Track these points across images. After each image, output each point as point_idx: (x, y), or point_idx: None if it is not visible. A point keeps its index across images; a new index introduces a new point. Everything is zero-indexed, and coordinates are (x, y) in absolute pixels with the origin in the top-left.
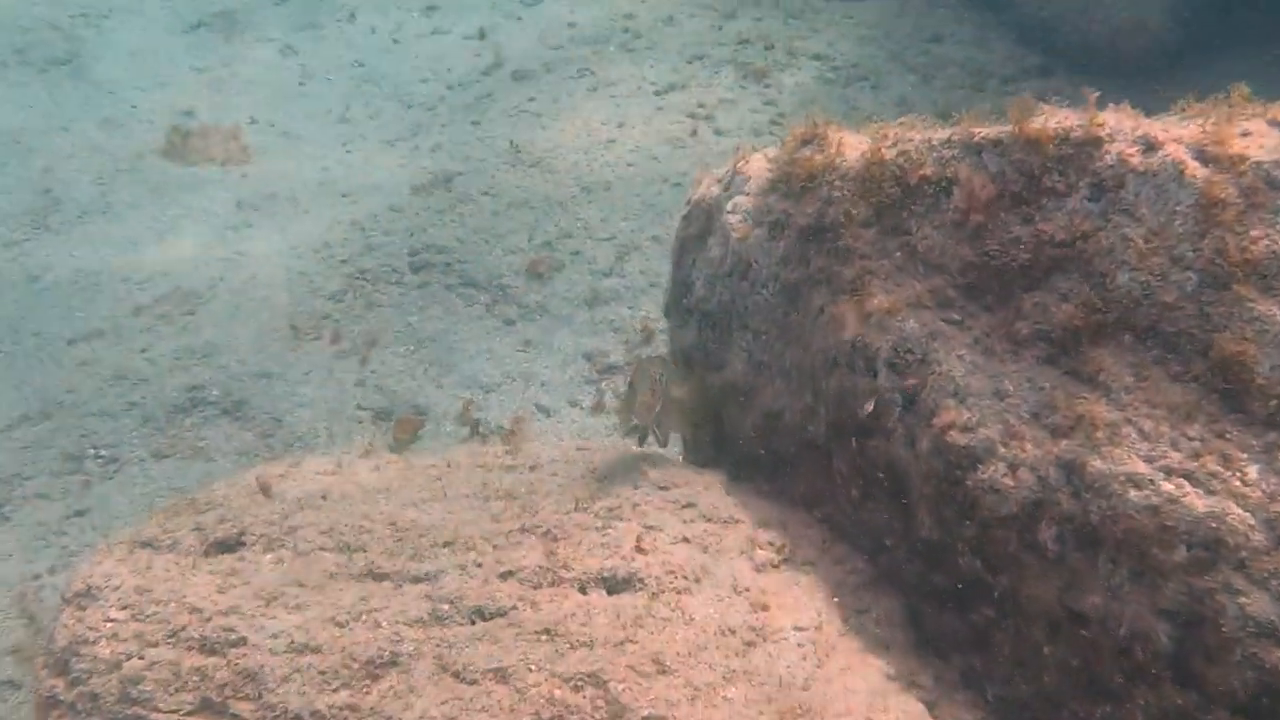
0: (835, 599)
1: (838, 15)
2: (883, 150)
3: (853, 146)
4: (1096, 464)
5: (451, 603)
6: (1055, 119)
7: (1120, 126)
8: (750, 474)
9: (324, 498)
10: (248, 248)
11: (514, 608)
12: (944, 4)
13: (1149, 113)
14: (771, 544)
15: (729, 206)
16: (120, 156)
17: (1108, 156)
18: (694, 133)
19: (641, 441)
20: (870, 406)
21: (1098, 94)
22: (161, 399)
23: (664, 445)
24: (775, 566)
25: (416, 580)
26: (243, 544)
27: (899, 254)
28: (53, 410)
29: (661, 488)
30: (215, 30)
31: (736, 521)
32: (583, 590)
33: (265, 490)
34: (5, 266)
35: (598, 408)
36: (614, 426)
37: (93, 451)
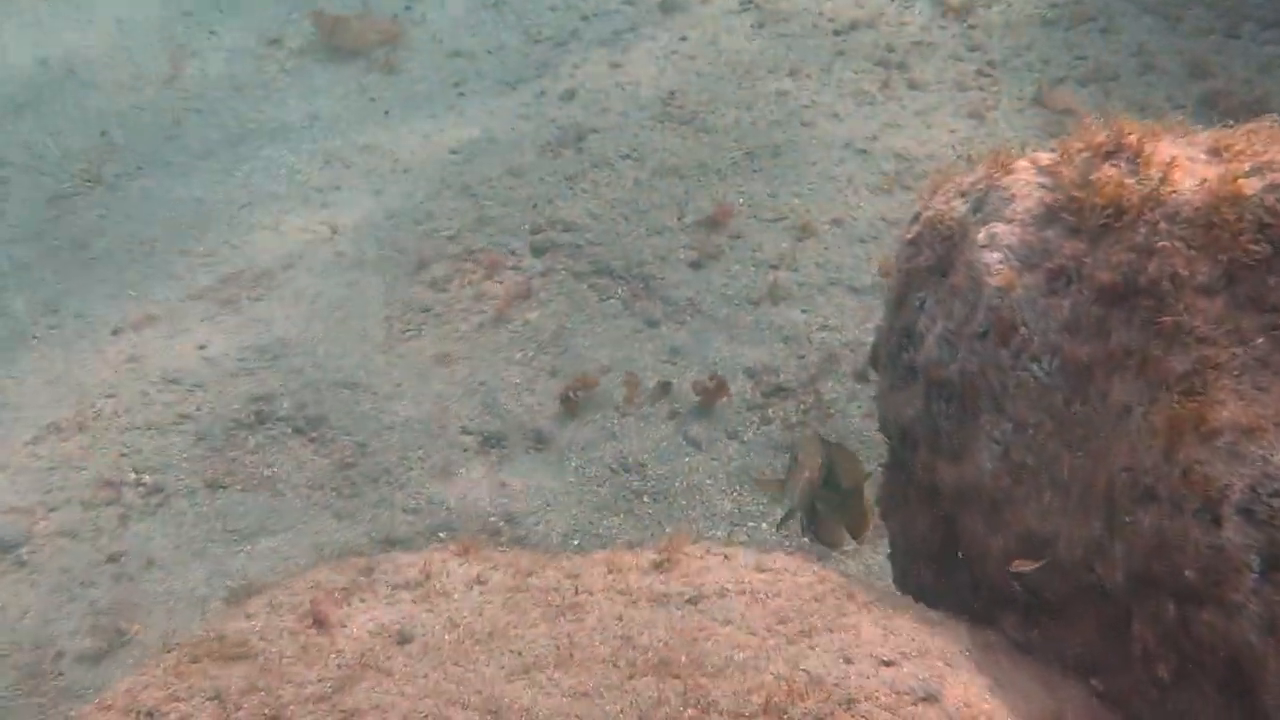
0: None
1: None
2: (1239, 182)
3: (1184, 170)
4: None
5: None
6: None
7: None
8: (992, 611)
9: (400, 644)
10: (333, 216)
11: None
12: None
13: None
14: None
15: (982, 237)
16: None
17: None
18: (885, 84)
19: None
20: (1206, 566)
21: None
22: (220, 411)
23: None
24: None
25: None
26: None
27: (1262, 341)
28: (87, 419)
29: (886, 662)
30: None
31: None
32: None
33: (320, 623)
34: None
35: (762, 483)
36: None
37: (134, 477)
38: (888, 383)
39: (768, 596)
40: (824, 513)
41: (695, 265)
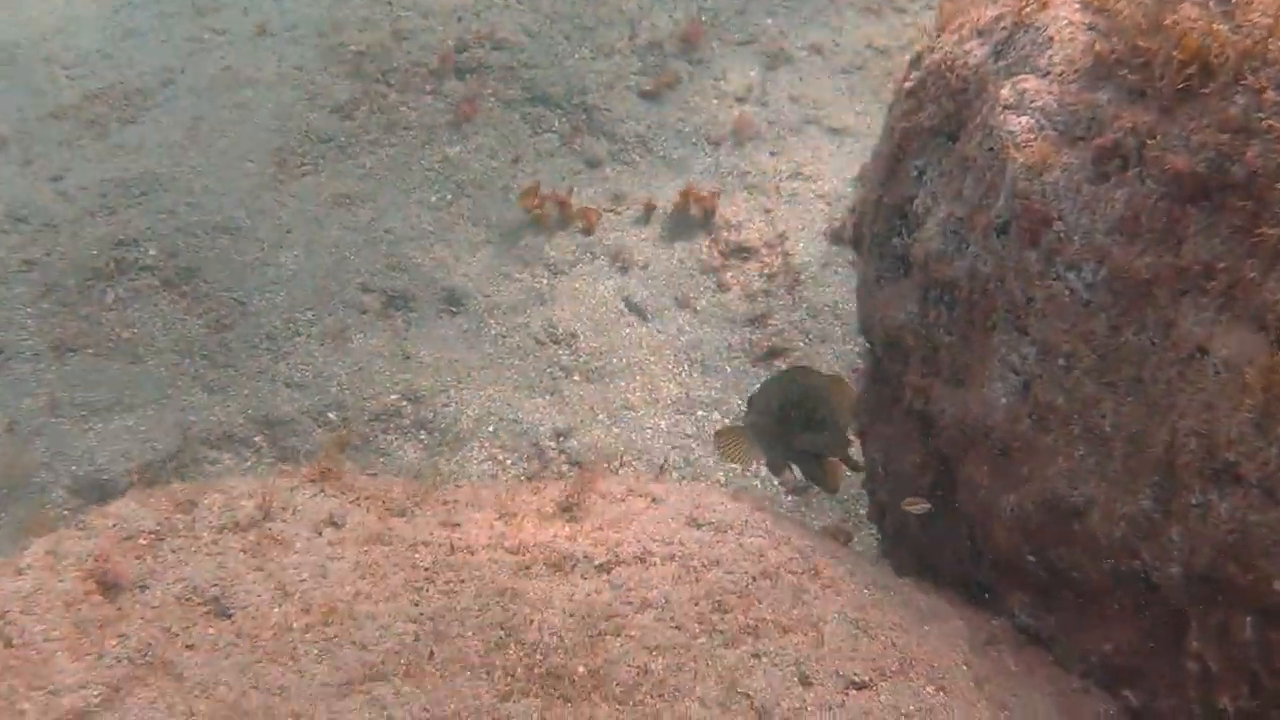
0: None
1: None
2: None
3: None
4: None
5: None
6: None
7: None
8: (997, 584)
9: (215, 617)
10: (221, 23)
11: None
12: None
13: None
14: None
15: (1007, 94)
16: None
17: None
18: None
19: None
20: None
21: None
22: (73, 258)
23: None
24: None
25: None
26: None
27: None
28: None
29: (858, 684)
30: None
31: None
32: None
33: (110, 586)
34: None
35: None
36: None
37: None
38: (872, 272)
39: (703, 566)
40: (817, 446)
41: (647, 96)
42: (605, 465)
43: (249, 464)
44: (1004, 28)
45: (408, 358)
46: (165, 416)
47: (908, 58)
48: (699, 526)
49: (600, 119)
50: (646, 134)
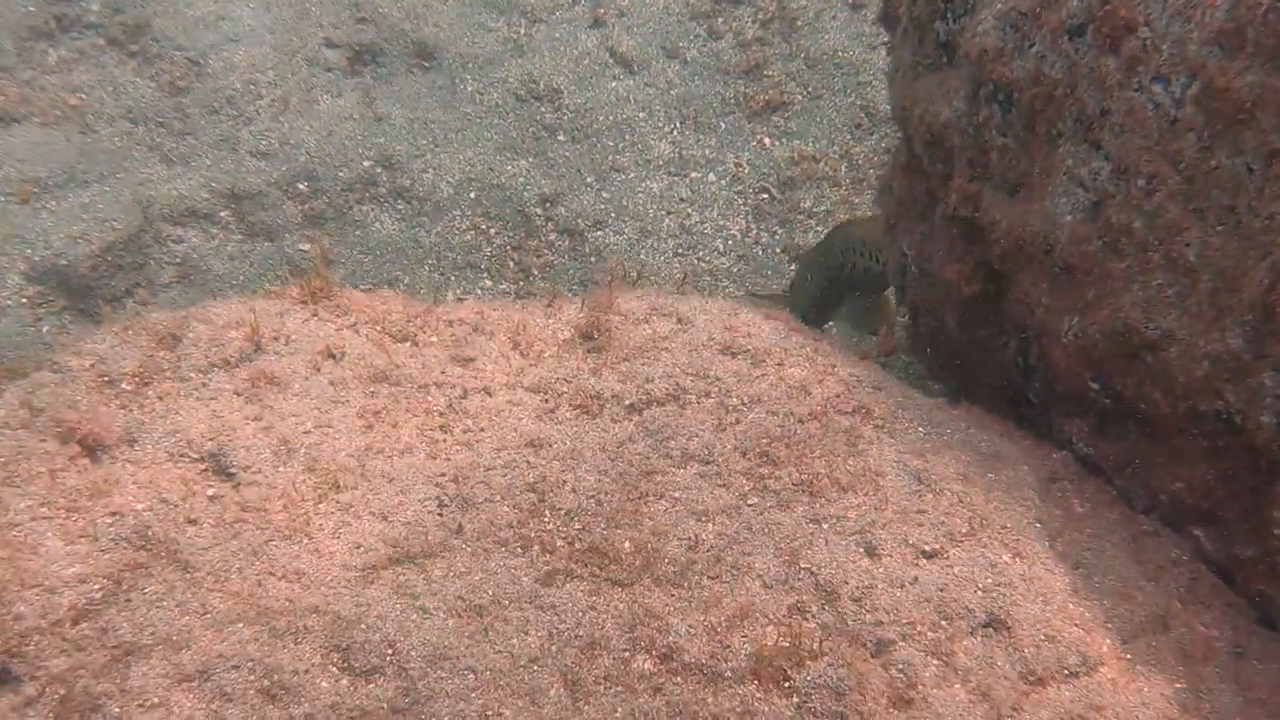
0: None
1: None
2: None
3: None
4: None
5: None
6: None
7: None
8: (1051, 410)
9: (217, 477)
10: None
11: None
12: None
13: None
14: None
15: None
16: None
17: None
18: None
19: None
20: None
21: None
22: (7, 14)
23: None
24: None
25: None
26: None
27: None
28: None
29: (927, 554)
30: None
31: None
32: None
33: (92, 448)
34: None
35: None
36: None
37: None
38: (908, 56)
39: (742, 405)
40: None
41: None
42: (621, 269)
43: (216, 242)
44: None
45: (379, 120)
46: (123, 192)
47: None
48: (734, 355)
49: None
50: None
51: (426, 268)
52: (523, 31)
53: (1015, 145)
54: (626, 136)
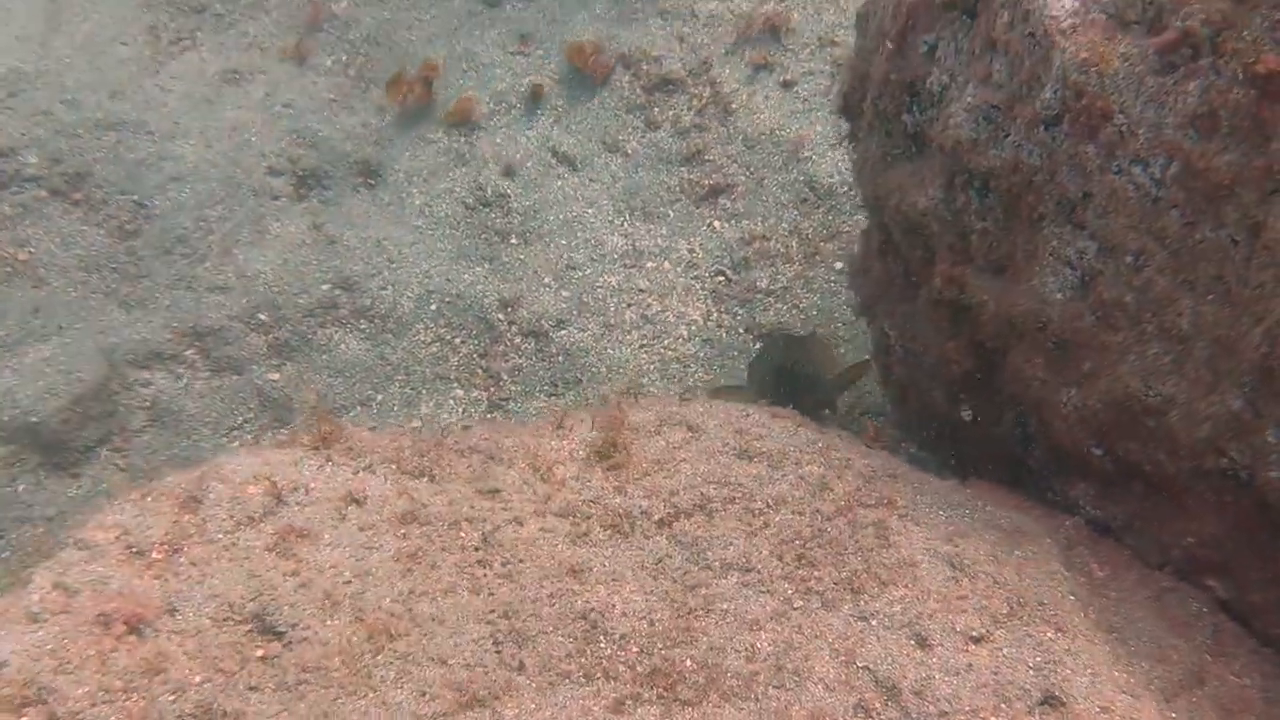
0: None
1: None
2: None
3: None
4: None
5: None
6: None
7: None
8: (1053, 474)
9: (264, 636)
10: None
11: None
12: None
13: None
14: None
15: None
16: None
17: None
18: None
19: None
20: None
21: None
22: None
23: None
24: None
25: None
26: None
27: None
28: None
29: (975, 638)
30: None
31: None
32: None
33: (134, 624)
34: None
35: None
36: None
37: None
38: (877, 149)
39: (769, 508)
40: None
41: None
42: (627, 390)
43: (184, 381)
44: None
45: (332, 242)
46: (84, 342)
47: None
48: (751, 458)
49: None
50: None
51: (396, 384)
52: (463, 140)
53: (995, 228)
54: (578, 233)
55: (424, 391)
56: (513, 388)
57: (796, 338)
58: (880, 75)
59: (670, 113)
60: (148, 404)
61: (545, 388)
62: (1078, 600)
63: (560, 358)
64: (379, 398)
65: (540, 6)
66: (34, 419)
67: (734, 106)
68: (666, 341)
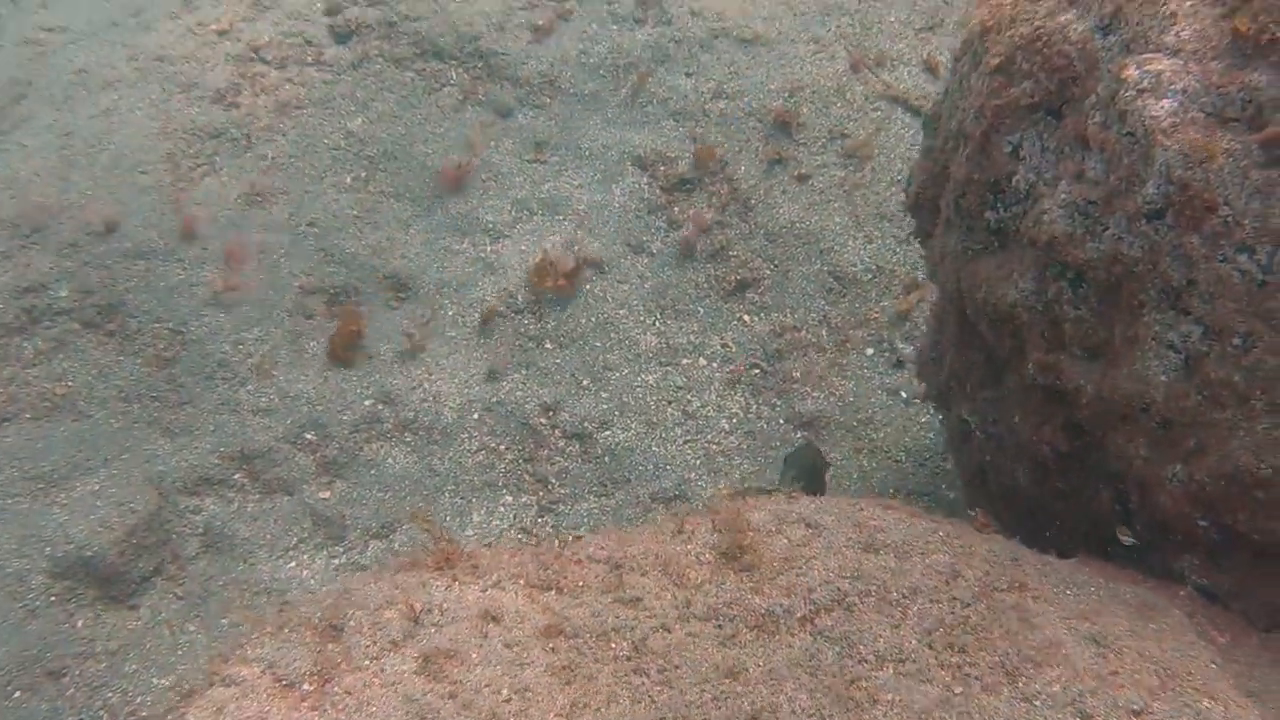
0: None
1: None
2: None
3: None
4: None
5: None
6: None
7: None
8: (1155, 548)
9: None
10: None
11: None
12: None
13: None
14: None
15: (1133, 74)
16: None
17: None
18: None
19: None
20: None
21: None
22: None
23: None
24: None
25: None
26: None
27: None
28: None
29: (1135, 711)
30: None
31: None
32: None
33: None
34: None
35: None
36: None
37: None
38: (957, 244)
39: (905, 598)
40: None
41: (538, 31)
42: (736, 492)
43: (235, 505)
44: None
45: (370, 358)
46: (132, 472)
47: (968, 28)
48: (876, 551)
49: (498, 64)
50: (551, 72)
51: (446, 494)
52: (489, 249)
53: (1090, 316)
54: (611, 335)
55: (474, 500)
56: (561, 490)
57: (813, 445)
58: (962, 174)
59: (689, 210)
60: (200, 530)
61: (594, 489)
62: (1219, 668)
63: (606, 458)
64: (431, 509)
65: (552, 114)
66: (89, 553)
67: (753, 202)
68: (709, 435)
